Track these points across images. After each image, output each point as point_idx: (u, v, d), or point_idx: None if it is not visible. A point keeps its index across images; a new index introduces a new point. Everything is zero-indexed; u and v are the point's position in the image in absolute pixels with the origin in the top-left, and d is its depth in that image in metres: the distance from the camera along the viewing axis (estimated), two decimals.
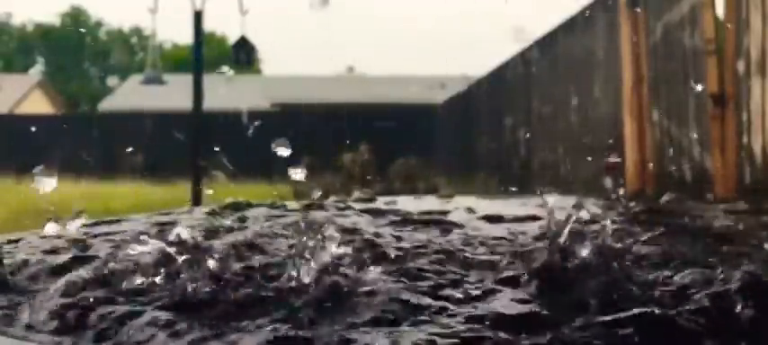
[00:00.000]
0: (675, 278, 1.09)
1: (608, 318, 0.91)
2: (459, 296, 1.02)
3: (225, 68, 24.74)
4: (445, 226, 1.51)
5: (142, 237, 1.17)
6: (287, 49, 72.92)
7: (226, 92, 23.11)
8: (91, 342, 0.91)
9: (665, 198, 1.68)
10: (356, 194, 1.80)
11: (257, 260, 1.20)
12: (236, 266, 1.13)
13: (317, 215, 1.65)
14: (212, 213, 1.79)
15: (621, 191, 1.90)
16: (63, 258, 1.32)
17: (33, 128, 22.32)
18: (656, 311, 0.92)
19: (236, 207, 1.85)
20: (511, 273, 1.10)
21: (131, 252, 1.16)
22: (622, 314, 0.91)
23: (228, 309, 0.97)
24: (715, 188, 4.85)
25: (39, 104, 33.47)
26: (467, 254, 1.23)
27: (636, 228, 1.52)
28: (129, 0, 55.52)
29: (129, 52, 51.85)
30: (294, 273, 1.03)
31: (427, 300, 0.99)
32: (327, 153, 14.84)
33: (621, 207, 1.79)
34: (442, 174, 15.69)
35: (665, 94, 5.80)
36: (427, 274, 1.12)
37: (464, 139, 15.45)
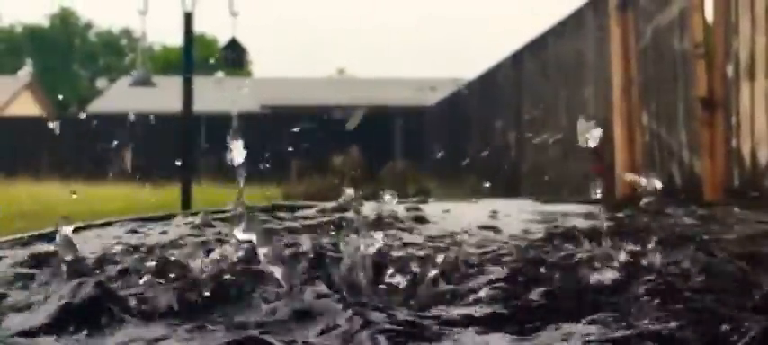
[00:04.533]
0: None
1: None
2: None
3: (219, 74, 24.70)
4: None
5: None
6: (277, 51, 72.84)
7: (215, 95, 23.01)
8: None
9: (644, 200, 1.66)
10: (344, 196, 1.77)
11: None
12: None
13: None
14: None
15: (599, 193, 1.86)
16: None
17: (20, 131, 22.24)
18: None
19: None
20: None
21: None
22: None
23: None
24: (704, 191, 4.87)
25: (27, 106, 33.30)
26: None
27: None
28: (119, 2, 55.36)
29: (119, 54, 51.69)
30: None
31: None
32: (318, 155, 14.83)
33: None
34: (432, 177, 15.69)
35: (655, 98, 5.82)
36: None
37: (454, 142, 15.47)
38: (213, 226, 1.51)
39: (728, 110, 4.74)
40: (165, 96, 21.79)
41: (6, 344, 0.88)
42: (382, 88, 27.90)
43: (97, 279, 1.02)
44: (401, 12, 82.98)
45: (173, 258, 1.15)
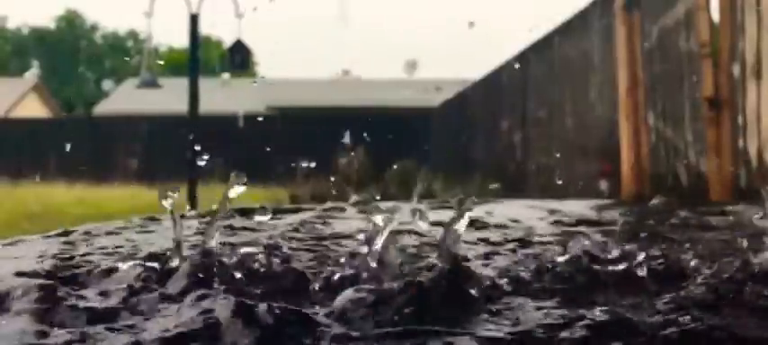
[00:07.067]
0: None
1: None
2: None
3: (225, 75, 24.80)
4: None
5: None
6: (282, 53, 72.97)
7: (221, 96, 23.08)
8: None
9: (654, 201, 1.66)
10: (353, 199, 1.77)
11: None
12: None
13: None
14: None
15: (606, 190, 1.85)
16: None
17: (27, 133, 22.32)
18: None
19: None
20: None
21: None
22: None
23: None
24: (710, 191, 4.85)
25: (34, 108, 33.40)
26: None
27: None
28: (125, 3, 55.50)
29: (125, 55, 51.80)
30: None
31: None
32: (323, 156, 14.83)
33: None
34: (438, 178, 15.68)
35: (661, 98, 5.81)
36: None
37: (460, 142, 15.46)
38: None
39: (735, 109, 4.73)
40: (171, 98, 21.83)
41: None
42: (387, 89, 27.92)
43: None
44: (405, 14, 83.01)
45: None
